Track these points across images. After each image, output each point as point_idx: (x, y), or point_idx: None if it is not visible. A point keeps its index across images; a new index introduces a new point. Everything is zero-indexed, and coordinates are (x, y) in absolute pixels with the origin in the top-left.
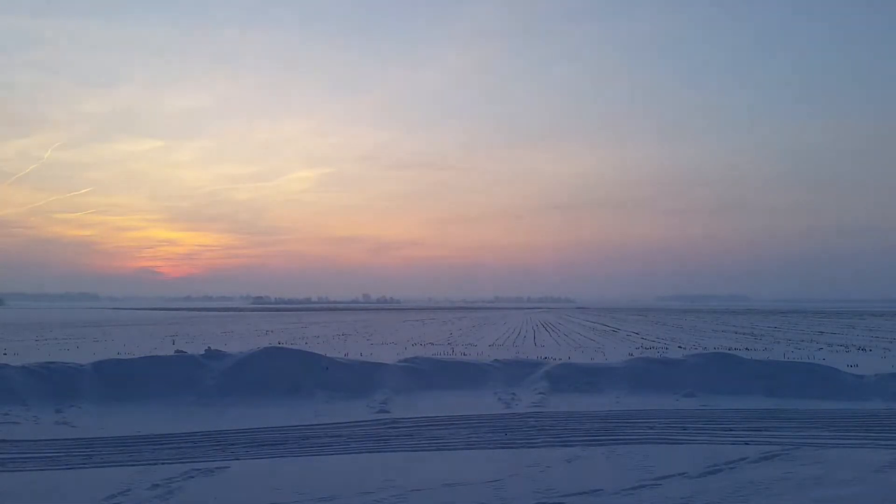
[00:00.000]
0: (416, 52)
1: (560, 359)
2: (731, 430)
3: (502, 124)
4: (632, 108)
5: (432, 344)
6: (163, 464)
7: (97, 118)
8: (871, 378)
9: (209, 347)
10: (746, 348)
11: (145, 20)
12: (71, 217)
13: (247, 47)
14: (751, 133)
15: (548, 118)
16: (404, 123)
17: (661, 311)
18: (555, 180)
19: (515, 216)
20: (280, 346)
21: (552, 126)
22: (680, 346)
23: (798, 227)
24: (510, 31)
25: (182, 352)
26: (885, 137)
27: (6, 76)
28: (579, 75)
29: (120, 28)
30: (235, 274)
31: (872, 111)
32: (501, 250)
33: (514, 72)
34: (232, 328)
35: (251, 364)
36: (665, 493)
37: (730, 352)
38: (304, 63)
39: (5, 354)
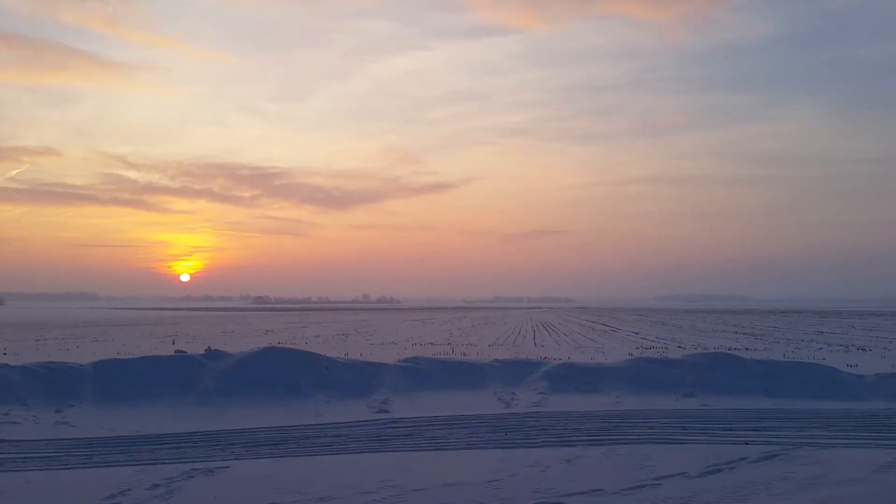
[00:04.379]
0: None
1: (560, 359)
2: (731, 430)
3: (491, 119)
4: (628, 106)
5: (432, 344)
6: (163, 464)
7: (73, 123)
8: (871, 378)
9: (209, 347)
10: (746, 348)
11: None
12: (67, 218)
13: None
14: (750, 133)
15: (540, 116)
16: (391, 121)
17: (661, 311)
18: (553, 179)
19: (513, 215)
20: (280, 346)
21: (545, 124)
22: (680, 346)
23: (798, 227)
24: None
25: (182, 352)
26: (885, 137)
27: None
28: (567, 69)
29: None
30: (235, 274)
31: (872, 111)
32: (502, 250)
33: (508, 68)
34: (232, 328)
35: (251, 364)
36: (665, 493)
37: (730, 352)
38: (262, 71)
39: (5, 354)
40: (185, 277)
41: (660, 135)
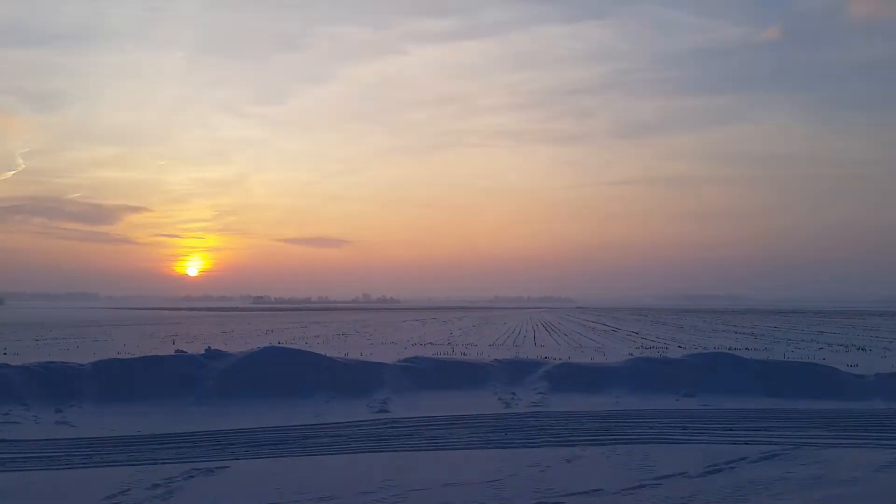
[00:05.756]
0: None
1: (560, 359)
2: (730, 430)
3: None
4: (625, 106)
5: (432, 344)
6: (163, 464)
7: (62, 127)
8: (871, 378)
9: (209, 347)
10: (746, 348)
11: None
12: (66, 217)
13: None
14: (749, 133)
15: (540, 115)
16: (386, 120)
17: (661, 311)
18: (553, 179)
19: (514, 215)
20: (280, 346)
21: (546, 124)
22: (680, 346)
23: (798, 227)
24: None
25: (182, 352)
26: (885, 137)
27: None
28: (556, 68)
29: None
30: (235, 274)
31: (853, 111)
32: (501, 250)
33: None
34: (232, 328)
35: (251, 364)
36: (665, 493)
37: (730, 352)
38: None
39: (5, 354)
40: (192, 272)
41: (644, 136)
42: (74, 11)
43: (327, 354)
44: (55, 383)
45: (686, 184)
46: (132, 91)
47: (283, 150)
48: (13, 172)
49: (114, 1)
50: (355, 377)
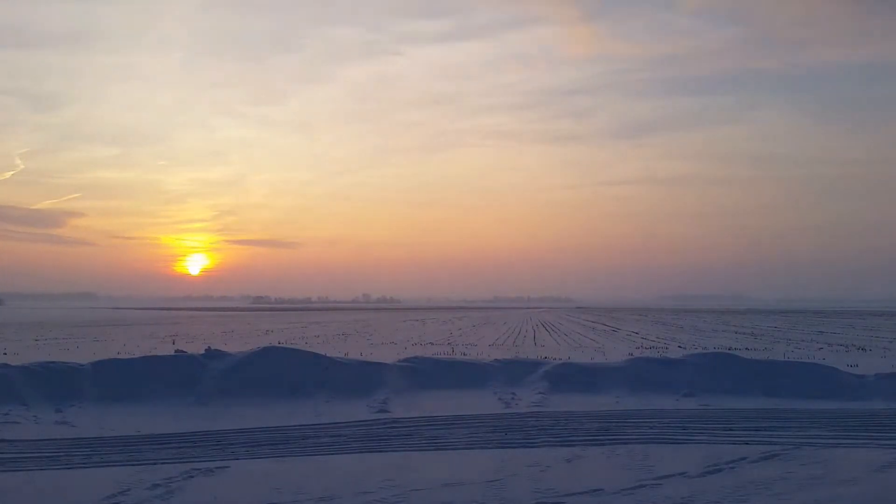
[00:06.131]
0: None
1: (560, 359)
2: (730, 430)
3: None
4: (625, 106)
5: (432, 344)
6: (163, 464)
7: (60, 128)
8: (871, 378)
9: (209, 347)
10: (746, 348)
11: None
12: (64, 218)
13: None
14: (749, 133)
15: (541, 117)
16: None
17: (661, 311)
18: (552, 179)
19: (513, 215)
20: (280, 345)
21: (544, 124)
22: (680, 346)
23: (798, 228)
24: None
25: (182, 352)
26: (885, 137)
27: None
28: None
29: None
30: (235, 274)
31: (872, 112)
32: (501, 250)
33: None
34: (232, 328)
35: (251, 364)
36: (665, 493)
37: (730, 352)
38: (234, 76)
39: (5, 354)
40: (192, 272)
41: (644, 136)
42: (70, 13)
43: (327, 354)
44: (55, 383)
45: (686, 184)
46: (130, 92)
47: (281, 151)
48: (12, 173)
49: (110, 2)
50: (355, 377)
